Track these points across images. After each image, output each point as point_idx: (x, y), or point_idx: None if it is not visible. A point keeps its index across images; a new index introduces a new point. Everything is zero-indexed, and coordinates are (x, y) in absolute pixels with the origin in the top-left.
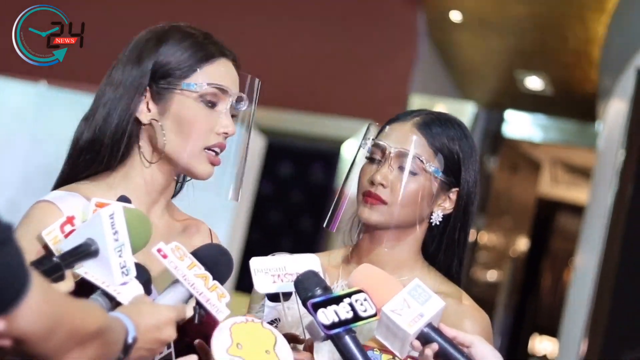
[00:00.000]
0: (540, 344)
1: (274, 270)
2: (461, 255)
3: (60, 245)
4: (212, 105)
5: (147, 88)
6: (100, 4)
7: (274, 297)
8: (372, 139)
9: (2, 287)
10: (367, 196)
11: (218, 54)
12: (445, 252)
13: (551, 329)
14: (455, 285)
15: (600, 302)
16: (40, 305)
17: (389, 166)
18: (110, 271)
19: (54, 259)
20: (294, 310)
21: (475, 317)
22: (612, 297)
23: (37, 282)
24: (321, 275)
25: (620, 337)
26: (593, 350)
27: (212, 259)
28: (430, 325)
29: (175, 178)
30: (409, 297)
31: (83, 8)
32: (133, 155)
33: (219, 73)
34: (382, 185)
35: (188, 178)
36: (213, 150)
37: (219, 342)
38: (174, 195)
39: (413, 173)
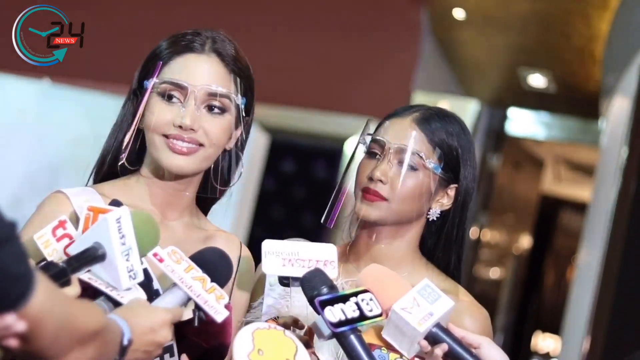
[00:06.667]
0: (543, 341)
1: (286, 254)
2: (460, 252)
3: (50, 248)
4: (169, 99)
5: (137, 95)
6: (103, 1)
7: (285, 282)
8: (370, 135)
9: (7, 286)
10: (365, 192)
11: (183, 50)
12: (443, 249)
13: (554, 327)
14: (453, 282)
15: (603, 299)
16: (45, 304)
17: (388, 162)
18: (118, 275)
19: (60, 264)
20: (300, 296)
21: (475, 313)
22: (615, 294)
23: (41, 281)
24: (334, 268)
25: (622, 334)
26: (596, 347)
27: (210, 262)
28: (438, 325)
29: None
30: (419, 296)
31: (83, 8)
32: (147, 157)
33: (177, 68)
34: (381, 181)
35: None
36: (172, 140)
37: (241, 346)
38: (211, 203)
39: (413, 169)
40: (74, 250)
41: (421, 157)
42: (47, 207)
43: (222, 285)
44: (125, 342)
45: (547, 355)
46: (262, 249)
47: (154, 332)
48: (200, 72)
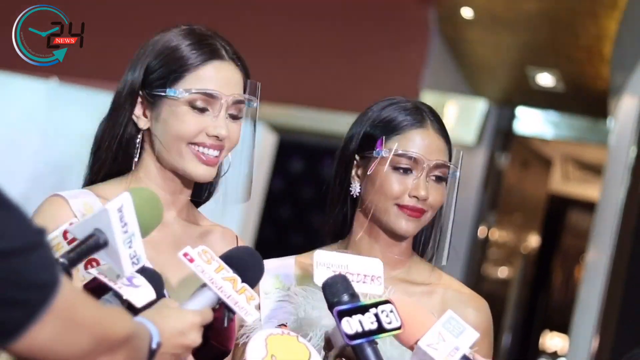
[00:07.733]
0: (551, 340)
1: (336, 267)
2: (450, 242)
3: (62, 251)
4: (202, 110)
5: (141, 94)
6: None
7: None
8: (391, 149)
9: (29, 294)
10: (407, 209)
11: (210, 56)
12: (439, 242)
13: (562, 326)
14: (450, 276)
15: (611, 299)
16: (69, 311)
17: (426, 178)
18: (120, 262)
19: (61, 260)
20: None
21: (477, 304)
22: (624, 294)
23: (66, 287)
24: (381, 284)
25: (631, 334)
26: (604, 347)
27: (241, 261)
28: (465, 357)
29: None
30: (444, 330)
31: (91, 6)
32: (143, 159)
33: (208, 77)
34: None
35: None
36: (201, 148)
37: (254, 351)
38: (203, 201)
39: (443, 180)
40: (74, 232)
41: (448, 168)
42: (47, 211)
43: (253, 285)
44: (154, 345)
45: (555, 354)
46: (313, 259)
47: (183, 335)
48: (228, 80)
